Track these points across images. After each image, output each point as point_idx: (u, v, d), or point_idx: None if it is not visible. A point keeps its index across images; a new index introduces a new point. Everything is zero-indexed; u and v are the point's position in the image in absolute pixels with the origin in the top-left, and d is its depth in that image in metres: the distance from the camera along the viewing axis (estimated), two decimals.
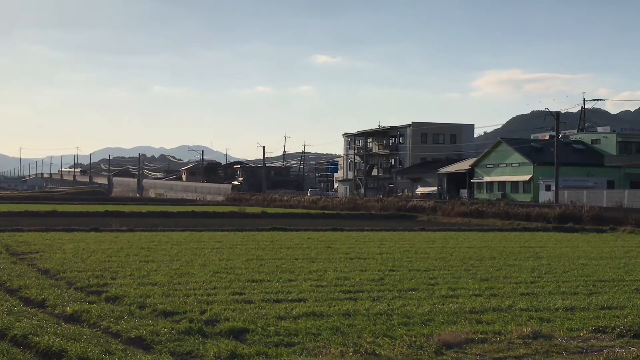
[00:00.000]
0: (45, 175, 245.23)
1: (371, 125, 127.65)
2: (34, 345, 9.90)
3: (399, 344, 9.99)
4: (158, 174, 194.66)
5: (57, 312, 12.44)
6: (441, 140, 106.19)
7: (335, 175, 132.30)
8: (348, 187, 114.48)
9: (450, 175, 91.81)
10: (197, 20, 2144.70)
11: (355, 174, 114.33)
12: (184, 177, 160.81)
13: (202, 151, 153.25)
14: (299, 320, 11.54)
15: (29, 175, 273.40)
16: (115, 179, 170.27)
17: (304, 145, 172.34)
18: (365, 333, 10.69)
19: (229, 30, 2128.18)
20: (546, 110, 74.80)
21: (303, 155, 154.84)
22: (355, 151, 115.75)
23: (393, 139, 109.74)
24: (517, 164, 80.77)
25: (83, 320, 11.66)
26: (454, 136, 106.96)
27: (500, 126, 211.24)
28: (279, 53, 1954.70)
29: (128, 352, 9.56)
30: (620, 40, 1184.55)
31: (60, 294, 13.93)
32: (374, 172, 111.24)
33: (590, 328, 11.24)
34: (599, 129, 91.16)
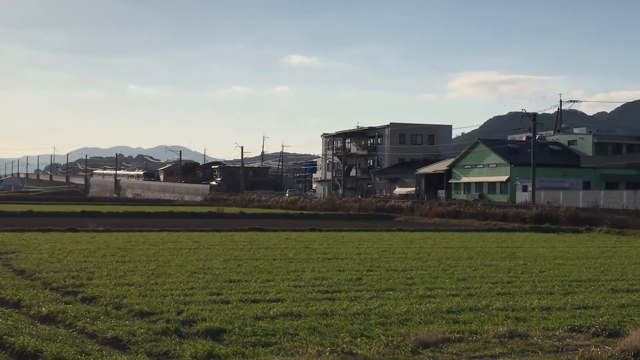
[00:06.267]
0: (22, 175, 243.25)
1: (349, 126, 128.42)
2: (9, 346, 9.81)
3: (376, 343, 10.02)
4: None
5: (32, 312, 12.35)
6: (419, 141, 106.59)
7: (314, 175, 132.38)
8: (326, 187, 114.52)
9: (428, 176, 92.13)
10: (171, 21, 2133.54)
11: (334, 175, 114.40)
12: (161, 177, 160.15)
13: (180, 151, 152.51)
14: (277, 321, 11.53)
15: (5, 176, 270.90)
16: (92, 179, 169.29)
17: (283, 146, 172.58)
18: (342, 333, 10.70)
19: (203, 30, 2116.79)
20: (523, 111, 75.06)
21: (281, 156, 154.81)
22: (334, 152, 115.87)
23: (371, 139, 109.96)
24: (495, 165, 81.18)
25: (59, 321, 11.58)
26: (432, 137, 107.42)
27: (478, 127, 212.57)
28: (254, 53, 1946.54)
29: (104, 352, 9.50)
30: (594, 42, 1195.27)
31: (36, 294, 13.84)
32: (353, 173, 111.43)
33: (566, 327, 11.33)
34: (576, 130, 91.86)
